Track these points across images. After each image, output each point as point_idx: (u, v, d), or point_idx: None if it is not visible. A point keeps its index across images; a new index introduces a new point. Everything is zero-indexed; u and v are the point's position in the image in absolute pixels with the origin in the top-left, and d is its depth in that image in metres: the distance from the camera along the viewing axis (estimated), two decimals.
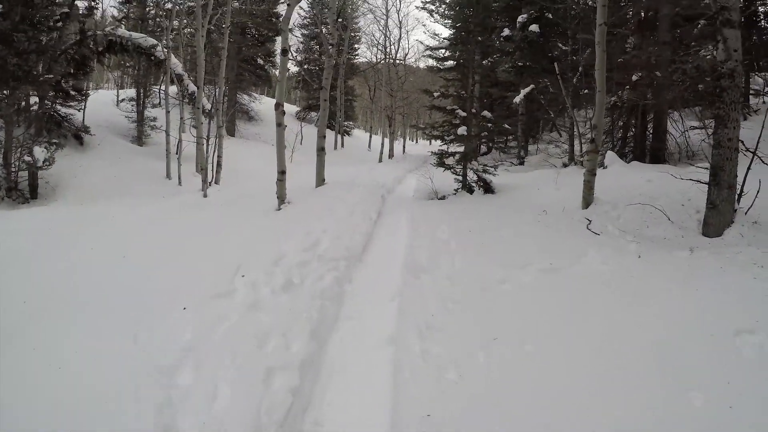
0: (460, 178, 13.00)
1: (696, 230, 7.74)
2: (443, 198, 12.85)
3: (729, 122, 7.23)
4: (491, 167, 12.75)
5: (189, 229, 8.87)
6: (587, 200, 9.92)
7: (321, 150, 13.17)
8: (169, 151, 18.61)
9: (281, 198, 10.72)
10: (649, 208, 8.71)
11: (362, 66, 38.93)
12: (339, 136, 31.30)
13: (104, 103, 23.97)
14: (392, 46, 30.83)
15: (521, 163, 19.71)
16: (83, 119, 19.57)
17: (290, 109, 37.74)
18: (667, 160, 14.35)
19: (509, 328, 5.02)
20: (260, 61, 31.04)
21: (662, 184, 9.89)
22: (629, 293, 5.49)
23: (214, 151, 18.03)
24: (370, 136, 35.90)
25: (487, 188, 12.85)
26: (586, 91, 17.70)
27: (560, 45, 19.01)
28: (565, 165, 17.79)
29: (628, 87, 14.10)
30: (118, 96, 25.10)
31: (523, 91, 15.76)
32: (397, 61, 31.63)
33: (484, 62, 19.64)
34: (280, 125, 10.50)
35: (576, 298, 5.57)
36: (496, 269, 6.65)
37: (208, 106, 21.31)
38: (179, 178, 17.86)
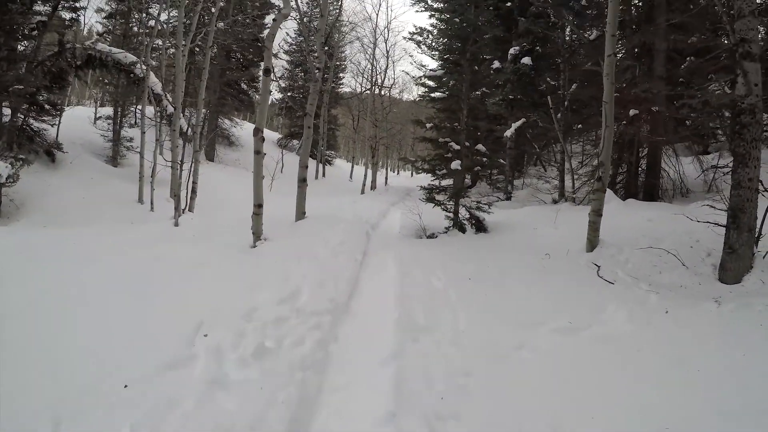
0: (451, 215, 11.97)
1: (712, 275, 7.07)
2: (433, 236, 11.81)
3: (750, 161, 6.61)
4: (485, 204, 11.73)
5: (149, 268, 7.62)
6: (592, 242, 9.04)
7: (303, 181, 12.06)
8: (143, 174, 17.35)
9: (257, 234, 9.60)
10: (657, 251, 7.98)
11: (347, 95, 38.14)
12: (321, 166, 30.28)
13: (81, 120, 22.71)
14: (379, 76, 29.64)
15: (508, 198, 18.80)
16: (57, 135, 18.32)
17: (272, 136, 36.74)
18: (662, 197, 13.81)
19: (541, 414, 3.92)
20: (244, 86, 30.03)
21: (664, 223, 9.38)
22: (671, 361, 4.64)
23: (189, 177, 16.81)
24: (352, 167, 34.90)
25: (480, 227, 11.84)
26: (579, 126, 16.95)
27: (548, 80, 18.31)
28: (555, 201, 16.96)
29: (624, 122, 13.30)
30: (96, 113, 23.80)
31: (515, 125, 14.86)
32: (383, 91, 30.75)
33: (472, 95, 18.76)
34: (258, 153, 9.40)
35: (610, 370, 4.61)
36: (508, 330, 5.61)
37: (186, 127, 20.16)
38: (152, 203, 16.62)
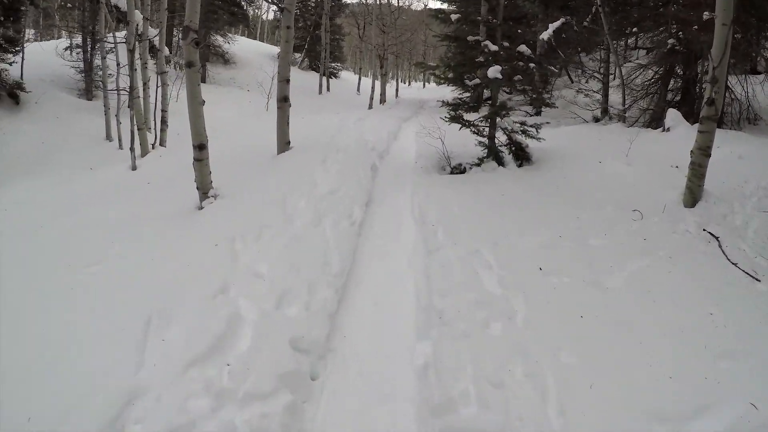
0: (485, 140, 8.40)
1: None
2: (460, 170, 8.32)
3: None
4: (531, 126, 8.09)
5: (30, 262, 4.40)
6: (694, 193, 5.83)
7: (283, 100, 8.53)
8: (108, 106, 13.74)
9: (204, 190, 6.20)
10: None
11: (351, 5, 33.60)
12: (325, 79, 26.25)
13: (49, 54, 18.83)
14: None
15: (537, 113, 15.13)
16: (21, 74, 14.76)
17: (271, 50, 32.32)
18: (726, 122, 10.63)
19: None
20: None
21: (763, 162, 6.63)
22: None
23: (156, 106, 13.25)
24: (359, 79, 30.58)
25: (523, 156, 8.32)
26: (633, 29, 13.10)
27: None
28: (596, 119, 13.35)
29: (695, 27, 9.64)
30: (70, 44, 19.73)
31: (553, 26, 10.73)
32: None
33: None
34: (190, 66, 5.79)
35: None
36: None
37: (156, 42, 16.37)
38: (119, 139, 13.11)
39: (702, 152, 5.71)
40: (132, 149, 10.24)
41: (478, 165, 8.11)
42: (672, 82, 11.84)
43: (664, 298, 3.96)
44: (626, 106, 12.59)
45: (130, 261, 4.56)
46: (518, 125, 8.14)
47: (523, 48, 7.93)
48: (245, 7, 27.19)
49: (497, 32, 8.06)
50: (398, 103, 24.64)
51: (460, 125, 8.40)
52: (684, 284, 4.16)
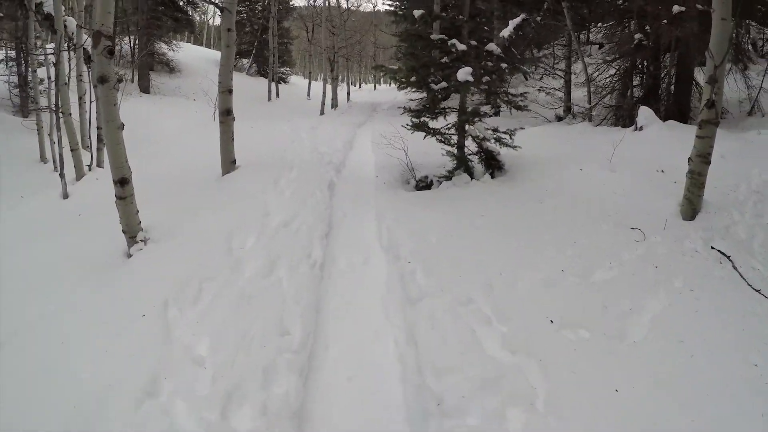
0: (452, 149, 7.47)
1: None
2: (428, 184, 7.41)
3: None
4: (505, 133, 7.18)
5: None
6: (694, 205, 5.16)
7: (226, 114, 7.43)
8: (41, 124, 12.18)
9: (131, 233, 5.09)
10: None
11: (300, 8, 32.24)
12: (274, 85, 24.98)
13: None
14: None
15: (496, 114, 14.34)
16: None
17: (218, 57, 30.83)
18: (692, 117, 10.01)
19: None
20: (180, 2, 24.18)
21: (744, 161, 6.05)
22: None
23: (90, 123, 11.90)
24: (309, 83, 29.38)
25: (495, 164, 7.42)
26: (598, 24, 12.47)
27: None
28: (559, 118, 12.65)
29: (665, 21, 9.12)
30: (6, 57, 17.94)
31: (513, 22, 9.89)
32: None
33: None
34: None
35: None
36: None
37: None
38: (54, 161, 11.62)
39: (702, 159, 4.99)
40: (62, 175, 8.96)
41: (448, 178, 7.20)
42: (636, 78, 11.24)
43: (700, 350, 3.17)
44: (592, 104, 11.92)
45: (28, 353, 3.44)
46: (490, 132, 7.24)
47: (492, 47, 7.06)
48: (190, 13, 25.68)
49: (464, 30, 7.14)
50: (350, 107, 23.61)
51: (425, 134, 7.46)
52: (715, 327, 3.40)
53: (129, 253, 4.95)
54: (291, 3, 32.05)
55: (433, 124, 7.55)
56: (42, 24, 13.00)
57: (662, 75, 10.72)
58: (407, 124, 7.59)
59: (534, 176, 7.14)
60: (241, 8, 30.47)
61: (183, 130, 16.31)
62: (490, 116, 7.12)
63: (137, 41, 22.02)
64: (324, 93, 20.64)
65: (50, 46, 13.89)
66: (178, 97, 21.53)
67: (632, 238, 4.81)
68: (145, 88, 21.10)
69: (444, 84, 6.97)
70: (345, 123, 15.25)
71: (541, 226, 5.26)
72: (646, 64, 10.87)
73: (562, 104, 13.40)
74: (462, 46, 6.77)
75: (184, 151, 12.30)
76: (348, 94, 28.75)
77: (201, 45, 41.93)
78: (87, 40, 14.37)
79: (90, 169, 10.93)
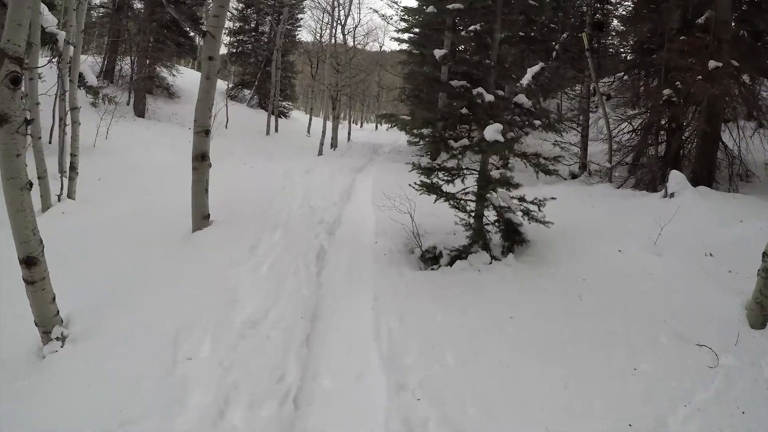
0: (467, 218, 6.08)
1: None
2: (436, 257, 6.04)
3: None
4: (536, 201, 5.81)
5: None
6: (766, 311, 3.96)
7: (200, 159, 6.03)
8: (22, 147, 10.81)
9: (44, 327, 3.66)
10: None
11: (306, 44, 31.08)
12: (273, 119, 23.70)
13: None
14: (341, 9, 22.65)
15: (504, 166, 13.06)
16: None
17: (221, 85, 29.43)
18: (717, 180, 9.21)
19: None
20: (185, 28, 22.97)
21: None
22: None
23: (63, 149, 10.36)
24: (310, 119, 28.06)
25: (517, 238, 6.04)
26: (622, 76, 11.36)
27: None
28: (574, 175, 11.42)
29: (699, 77, 8.10)
30: None
31: (532, 70, 8.55)
32: (347, 31, 23.71)
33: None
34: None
35: None
36: None
37: (90, 78, 13.59)
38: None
39: None
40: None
41: (462, 255, 5.80)
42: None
43: None
44: (613, 164, 10.71)
45: None
46: (516, 201, 5.86)
47: (522, 99, 5.71)
48: (195, 39, 24.52)
49: (490, 77, 5.82)
50: (351, 147, 22.29)
51: (437, 197, 6.07)
52: None
53: (43, 354, 3.51)
54: (297, 37, 31.05)
55: (446, 185, 6.19)
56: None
57: (686, 133, 9.79)
58: (415, 183, 6.23)
59: (564, 256, 5.78)
60: (246, 39, 29.44)
61: (172, 161, 14.85)
62: (519, 186, 5.68)
63: (136, 63, 20.81)
64: (323, 132, 19.26)
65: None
66: (174, 124, 20.20)
67: (702, 361, 3.58)
68: (140, 112, 19.78)
69: (465, 142, 5.60)
70: (344, 167, 13.85)
71: (587, 341, 3.88)
72: (668, 121, 9.71)
73: (578, 160, 12.19)
74: (489, 97, 5.43)
75: (164, 187, 10.86)
76: (349, 133, 27.43)
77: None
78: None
79: (59, 200, 9.47)
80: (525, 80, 6.74)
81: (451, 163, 5.96)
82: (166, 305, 4.18)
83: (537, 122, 5.65)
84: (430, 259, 6.21)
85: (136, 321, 3.96)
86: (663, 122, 9.83)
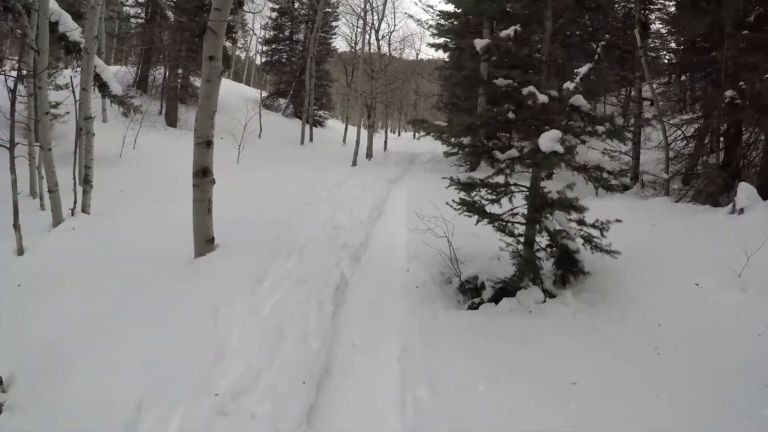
0: (514, 243, 5.04)
1: None
2: (477, 288, 5.04)
3: None
4: (594, 224, 4.73)
5: None
6: None
7: (202, 174, 5.17)
8: (33, 155, 9.88)
9: None
10: None
11: (342, 54, 30.17)
12: (308, 128, 22.91)
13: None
14: (375, 12, 21.62)
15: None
16: None
17: (255, 95, 28.63)
18: None
19: None
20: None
21: None
22: None
23: (76, 161, 9.57)
24: (346, 128, 27.00)
25: (574, 268, 4.94)
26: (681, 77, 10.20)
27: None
28: (625, 187, 10.18)
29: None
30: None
31: (582, 70, 7.40)
32: (381, 36, 22.62)
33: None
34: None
35: None
36: None
37: (114, 87, 12.86)
38: (42, 197, 9.33)
39: None
40: (16, 227, 6.72)
41: (509, 290, 4.75)
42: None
43: None
44: (670, 175, 9.57)
45: None
46: (575, 226, 4.78)
47: (579, 100, 4.62)
48: (225, 48, 23.98)
49: (542, 74, 4.77)
50: (387, 157, 21.29)
51: (478, 218, 5.05)
52: None
53: None
54: (331, 44, 30.32)
55: (490, 205, 5.16)
56: (56, 46, 11.09)
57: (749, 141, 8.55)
58: (453, 201, 5.21)
59: (630, 292, 4.69)
60: (281, 47, 28.81)
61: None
62: (585, 210, 4.61)
63: (168, 73, 20.32)
64: (357, 142, 18.31)
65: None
66: None
67: None
68: (171, 122, 19.31)
69: (514, 152, 4.57)
70: (377, 178, 12.89)
71: (671, 418, 2.79)
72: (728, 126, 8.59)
73: (629, 171, 10.99)
74: (543, 98, 4.38)
75: (186, 200, 10.08)
76: (385, 142, 26.42)
77: (241, 81, 40.38)
78: (102, 65, 12.54)
79: (73, 214, 8.72)
80: (571, 84, 5.66)
81: (497, 178, 4.92)
82: (133, 363, 3.28)
83: (600, 128, 4.55)
84: (471, 290, 5.20)
85: (93, 385, 3.06)
86: (721, 127, 8.70)
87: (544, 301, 4.59)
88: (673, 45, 12.94)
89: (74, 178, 9.07)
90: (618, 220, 4.88)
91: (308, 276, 4.95)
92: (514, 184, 5.03)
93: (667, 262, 5.20)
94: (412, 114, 42.98)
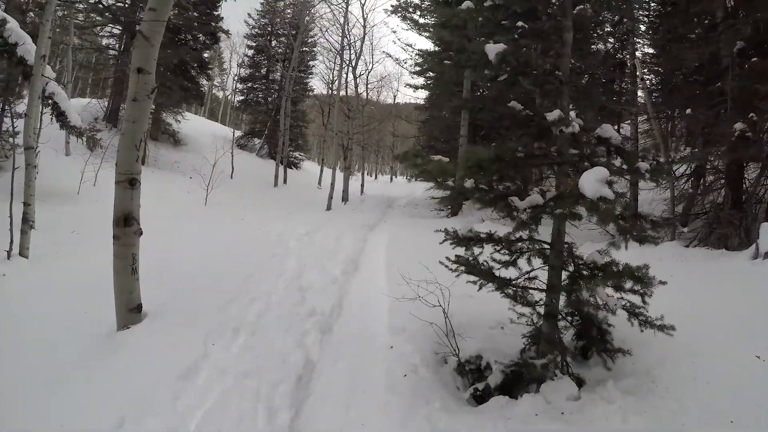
0: (531, 316, 3.86)
1: None
2: (480, 370, 3.92)
3: None
4: (634, 290, 3.57)
5: None
6: None
7: (123, 222, 3.86)
8: None
9: None
10: None
11: (317, 92, 29.41)
12: (282, 170, 21.67)
13: None
14: (352, 48, 20.67)
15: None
16: None
17: (227, 133, 27.49)
18: None
19: None
20: (192, 72, 21.27)
21: None
22: None
23: (13, 196, 8.12)
24: (321, 171, 25.91)
25: (608, 347, 3.77)
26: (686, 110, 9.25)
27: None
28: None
29: None
30: None
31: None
32: (358, 73, 21.59)
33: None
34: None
35: None
36: None
37: (74, 119, 11.49)
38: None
39: None
40: None
41: (525, 378, 3.55)
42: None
43: None
44: (675, 215, 8.98)
45: None
46: (611, 292, 3.60)
47: (609, 130, 3.48)
48: (200, 84, 22.76)
49: (563, 97, 3.65)
50: (363, 201, 20.05)
51: (481, 283, 3.85)
52: None
53: None
54: (308, 84, 29.44)
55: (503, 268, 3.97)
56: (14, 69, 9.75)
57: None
58: (447, 260, 4.02)
59: (682, 374, 3.49)
60: (257, 85, 27.85)
61: (168, 212, 12.67)
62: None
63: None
64: (332, 185, 17.09)
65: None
66: (175, 173, 18.27)
67: None
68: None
69: (538, 198, 3.39)
70: (353, 225, 11.67)
71: None
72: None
73: (628, 211, 9.96)
74: (574, 126, 3.24)
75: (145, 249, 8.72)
76: (362, 185, 25.23)
77: (216, 120, 39.27)
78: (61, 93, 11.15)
79: (9, 257, 7.27)
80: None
81: (519, 233, 3.71)
82: None
83: (644, 165, 3.39)
84: (472, 371, 3.98)
85: None
86: (716, 163, 8.20)
87: (579, 398, 3.36)
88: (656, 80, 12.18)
89: (10, 217, 7.64)
90: (662, 282, 3.68)
91: (259, 366, 3.65)
92: (529, 239, 3.85)
93: (707, 329, 4.10)
94: (389, 156, 42.06)
